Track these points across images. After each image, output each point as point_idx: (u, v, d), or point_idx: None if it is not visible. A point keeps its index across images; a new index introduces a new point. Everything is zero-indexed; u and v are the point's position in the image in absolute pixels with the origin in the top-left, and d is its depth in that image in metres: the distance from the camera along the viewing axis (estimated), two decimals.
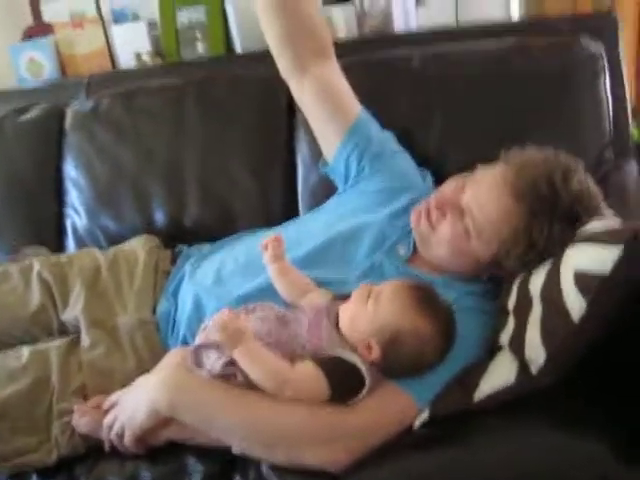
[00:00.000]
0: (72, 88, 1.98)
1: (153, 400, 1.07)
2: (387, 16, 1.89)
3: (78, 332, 1.32)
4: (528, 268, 1.09)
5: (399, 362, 1.04)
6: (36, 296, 1.36)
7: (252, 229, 1.53)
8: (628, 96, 1.61)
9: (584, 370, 0.96)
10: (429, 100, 1.54)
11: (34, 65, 2.22)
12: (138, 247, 1.47)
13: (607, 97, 1.51)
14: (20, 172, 1.79)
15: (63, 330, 1.34)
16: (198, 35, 2.09)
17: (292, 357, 1.03)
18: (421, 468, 0.97)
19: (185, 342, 1.26)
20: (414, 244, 1.27)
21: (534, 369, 0.96)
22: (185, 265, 1.41)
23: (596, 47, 1.52)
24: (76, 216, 1.75)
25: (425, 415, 1.03)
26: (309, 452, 1.03)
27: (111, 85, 1.89)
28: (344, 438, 1.03)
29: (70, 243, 1.75)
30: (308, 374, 1.01)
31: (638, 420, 0.91)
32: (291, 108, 1.63)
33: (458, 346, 1.05)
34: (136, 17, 2.22)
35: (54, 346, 1.28)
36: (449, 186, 1.23)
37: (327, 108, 1.40)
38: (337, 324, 1.06)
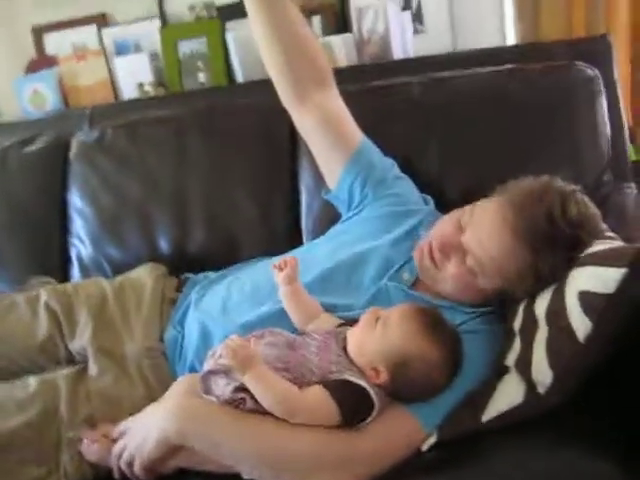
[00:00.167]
0: (75, 119, 2.01)
1: (162, 428, 1.07)
2: (386, 44, 1.93)
3: (86, 361, 1.32)
4: (535, 294, 1.10)
5: (407, 386, 1.04)
6: (44, 326, 1.36)
7: (256, 256, 1.54)
8: (624, 116, 1.63)
9: (590, 387, 0.97)
10: (428, 126, 1.56)
11: (38, 97, 2.26)
12: (144, 275, 1.48)
13: (604, 119, 1.53)
14: (25, 202, 1.81)
15: (71, 359, 1.35)
16: (200, 65, 2.13)
17: (301, 382, 1.03)
18: None
19: (193, 369, 1.26)
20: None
21: (541, 389, 0.97)
22: (191, 293, 1.41)
23: (592, 70, 1.54)
24: (81, 245, 1.77)
25: (433, 438, 1.03)
26: (317, 478, 1.03)
27: (114, 116, 1.92)
28: (353, 464, 1.03)
29: (75, 272, 1.77)
30: (318, 399, 1.01)
31: None
32: (293, 136, 1.65)
33: (465, 369, 1.06)
34: (138, 48, 2.26)
35: (62, 375, 1.28)
36: (449, 225, 1.21)
37: (329, 136, 1.41)
38: (345, 348, 1.07)
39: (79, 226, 1.77)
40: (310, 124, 1.43)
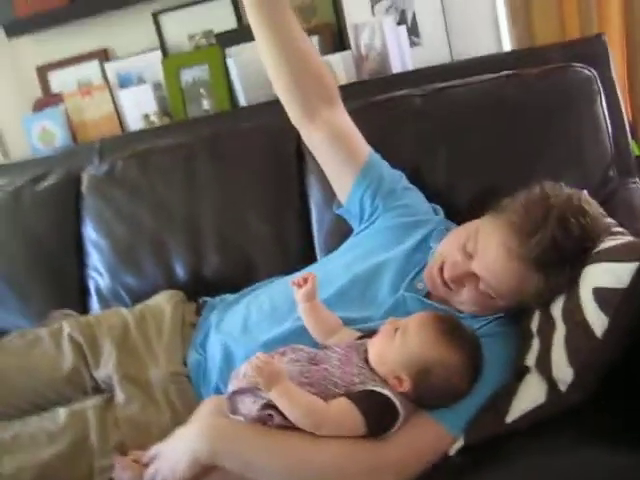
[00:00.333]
0: (85, 153, 2.04)
1: (193, 450, 1.07)
2: (384, 59, 1.94)
3: (112, 389, 1.34)
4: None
5: (429, 392, 1.06)
6: (68, 358, 1.38)
7: (271, 276, 1.56)
8: (624, 112, 1.65)
9: (607, 383, 0.98)
10: (433, 136, 1.58)
11: (46, 134, 2.30)
12: (163, 302, 1.50)
13: (605, 117, 1.54)
14: (41, 238, 1.84)
15: (97, 389, 1.37)
16: (202, 92, 2.16)
17: (326, 395, 1.05)
18: None
19: (218, 391, 1.28)
20: None
21: (562, 387, 0.98)
22: (210, 316, 1.44)
23: (588, 71, 1.56)
24: (98, 277, 1.79)
25: (460, 442, 1.04)
26: None
27: (122, 147, 1.95)
28: (379, 474, 1.04)
29: (94, 304, 1.79)
30: (343, 410, 1.03)
31: None
32: (299, 155, 1.68)
33: (486, 372, 1.08)
34: (141, 80, 2.30)
35: (90, 405, 1.30)
36: (457, 253, 1.20)
37: (338, 151, 1.44)
38: (367, 359, 1.09)
39: (95, 258, 1.80)
40: (320, 140, 1.45)
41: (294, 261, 1.61)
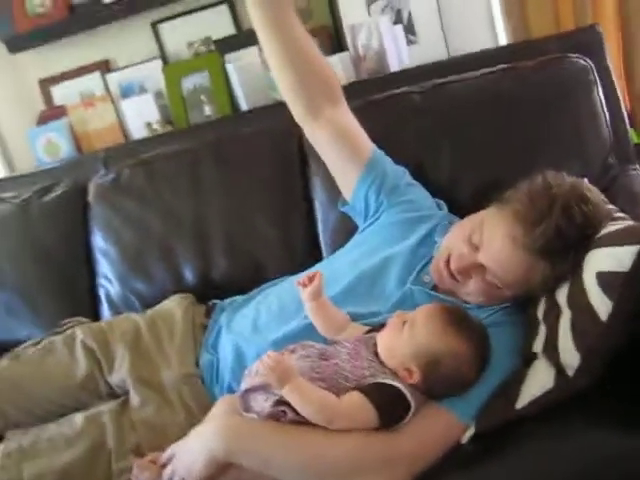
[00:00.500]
0: (90, 163, 2.06)
1: (210, 449, 1.09)
2: (381, 58, 1.96)
3: (126, 393, 1.37)
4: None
5: (439, 383, 1.07)
6: (82, 364, 1.41)
7: (279, 276, 1.57)
8: (622, 102, 1.66)
9: (613, 368, 0.98)
10: (434, 132, 1.60)
11: (51, 146, 2.33)
12: (174, 306, 1.52)
13: (602, 106, 1.56)
14: (50, 249, 1.85)
15: (112, 393, 1.39)
16: (204, 99, 2.18)
17: (338, 389, 1.06)
18: None
19: (230, 390, 1.30)
20: None
21: (570, 372, 0.99)
22: (220, 317, 1.46)
23: (584, 61, 1.57)
24: (109, 284, 1.81)
25: (471, 430, 1.06)
26: None
27: (127, 156, 1.97)
28: (393, 465, 1.06)
29: (105, 311, 1.81)
30: (355, 404, 1.04)
31: None
32: (302, 155, 1.70)
33: (494, 360, 1.09)
34: (143, 89, 2.33)
35: (106, 410, 1.32)
36: (462, 245, 1.22)
37: (343, 149, 1.46)
38: (376, 353, 1.10)
39: (105, 266, 1.82)
40: (324, 139, 1.47)
41: (301, 261, 1.62)
